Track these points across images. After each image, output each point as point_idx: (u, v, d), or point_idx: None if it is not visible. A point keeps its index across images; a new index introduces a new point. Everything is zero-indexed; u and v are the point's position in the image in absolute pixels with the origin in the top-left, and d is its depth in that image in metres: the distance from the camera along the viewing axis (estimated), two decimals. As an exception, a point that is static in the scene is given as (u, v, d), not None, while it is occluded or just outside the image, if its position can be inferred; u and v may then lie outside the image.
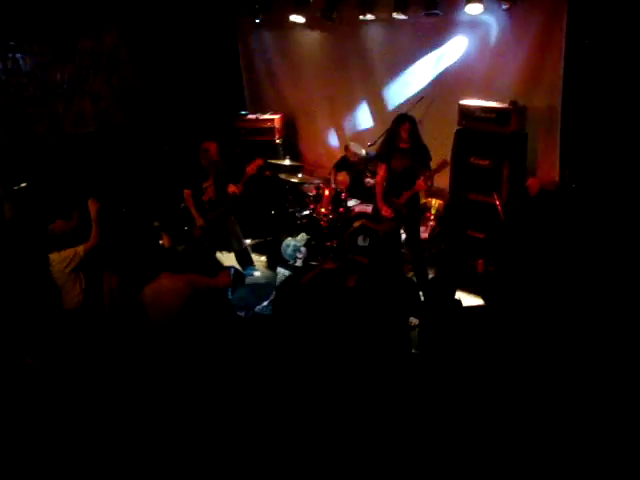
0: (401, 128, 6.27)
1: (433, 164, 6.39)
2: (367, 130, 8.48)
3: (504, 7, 6.75)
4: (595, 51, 6.27)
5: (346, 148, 8.23)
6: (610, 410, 4.45)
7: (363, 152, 8.10)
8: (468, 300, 6.45)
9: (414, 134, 6.32)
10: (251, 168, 6.94)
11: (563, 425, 4.33)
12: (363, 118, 8.70)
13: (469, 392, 4.53)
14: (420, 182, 6.25)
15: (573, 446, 4.16)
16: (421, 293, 6.12)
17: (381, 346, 4.46)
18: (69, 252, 5.63)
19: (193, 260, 5.44)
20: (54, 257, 5.63)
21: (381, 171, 6.61)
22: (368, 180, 7.96)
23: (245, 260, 7.76)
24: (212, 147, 7.08)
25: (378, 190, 6.65)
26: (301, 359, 4.66)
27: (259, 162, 6.99)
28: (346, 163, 8.18)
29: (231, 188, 6.99)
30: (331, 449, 4.15)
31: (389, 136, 6.51)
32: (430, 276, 6.74)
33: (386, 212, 6.50)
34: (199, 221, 7.14)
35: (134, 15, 8.67)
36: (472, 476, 4.00)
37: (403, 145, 6.33)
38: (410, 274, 6.94)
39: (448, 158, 7.27)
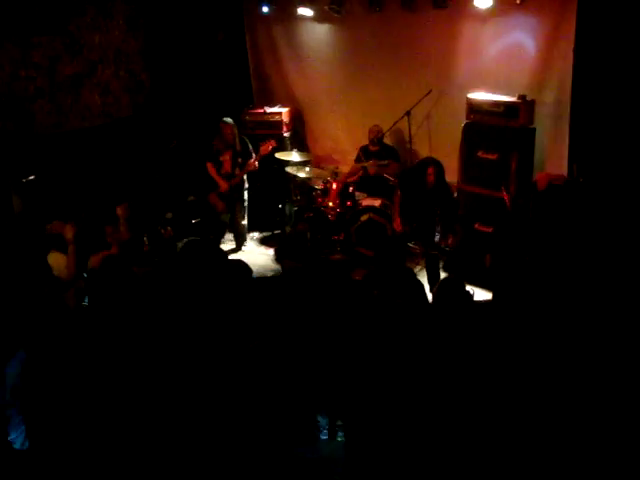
0: (427, 174, 6.42)
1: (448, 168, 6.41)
2: (375, 123, 8.43)
3: (517, 1, 6.71)
4: (605, 45, 6.23)
5: (370, 132, 8.15)
6: (614, 410, 4.45)
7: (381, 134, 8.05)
8: (477, 294, 6.43)
9: (439, 183, 6.47)
10: (265, 148, 7.65)
11: (569, 423, 4.33)
12: (371, 111, 8.67)
13: (476, 388, 4.53)
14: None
15: (577, 445, 4.16)
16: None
17: (387, 342, 4.46)
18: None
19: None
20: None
21: (399, 192, 6.82)
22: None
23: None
24: (227, 128, 7.79)
25: (395, 209, 6.90)
26: (305, 352, 4.67)
27: (273, 143, 7.71)
28: (367, 152, 8.14)
29: (250, 165, 7.83)
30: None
31: (413, 172, 6.72)
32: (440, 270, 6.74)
33: (398, 227, 6.51)
34: (223, 186, 7.89)
35: (142, 8, 8.67)
36: (475, 475, 4.01)
37: (427, 187, 6.47)
38: (418, 268, 6.96)
39: (456, 151, 7.29)
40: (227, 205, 8.03)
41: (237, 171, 7.96)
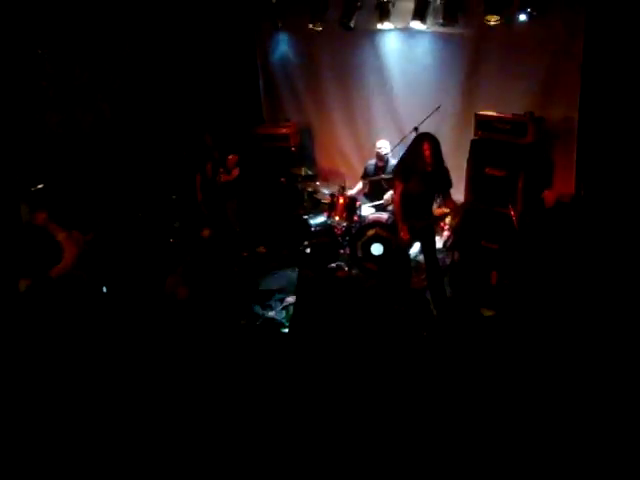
0: (423, 147, 5.92)
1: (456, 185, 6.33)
2: (383, 139, 8.44)
3: (524, 19, 6.72)
4: (613, 63, 6.24)
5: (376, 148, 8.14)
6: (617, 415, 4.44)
7: (388, 149, 8.05)
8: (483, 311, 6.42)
9: (437, 156, 5.98)
10: (229, 161, 8.37)
11: (572, 429, 4.32)
12: (379, 127, 8.70)
13: (481, 400, 4.52)
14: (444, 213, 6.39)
15: (579, 447, 4.16)
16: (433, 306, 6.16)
17: (392, 355, 4.46)
18: None
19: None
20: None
21: (399, 189, 6.27)
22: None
23: None
24: (207, 138, 8.47)
25: (397, 210, 6.34)
26: (314, 365, 4.68)
27: (235, 158, 8.37)
28: (372, 169, 8.15)
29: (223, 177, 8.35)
30: (335, 448, 4.16)
31: (409, 155, 6.19)
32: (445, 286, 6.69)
33: (405, 235, 6.26)
34: (199, 197, 8.43)
35: (155, 22, 8.74)
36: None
37: (426, 168, 5.96)
38: (424, 283, 6.93)
39: (464, 168, 7.28)
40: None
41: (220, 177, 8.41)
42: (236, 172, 8.47)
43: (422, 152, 5.92)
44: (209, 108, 9.29)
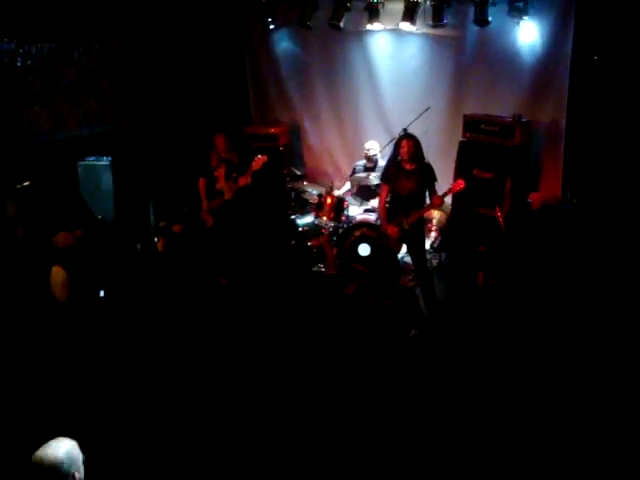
0: (400, 147, 6.10)
1: (443, 183, 6.35)
2: (371, 139, 8.45)
3: (513, 22, 6.76)
4: (601, 67, 6.29)
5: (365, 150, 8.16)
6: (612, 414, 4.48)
7: (377, 151, 8.06)
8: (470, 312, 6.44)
9: (416, 153, 6.12)
10: (256, 163, 7.11)
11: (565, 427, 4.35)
12: (367, 127, 8.71)
13: (472, 399, 4.55)
14: (433, 203, 6.22)
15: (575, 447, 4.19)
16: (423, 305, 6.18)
17: (378, 353, 4.47)
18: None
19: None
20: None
21: (383, 192, 6.44)
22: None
23: None
24: (218, 139, 7.34)
25: (381, 211, 6.52)
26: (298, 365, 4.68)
27: (264, 158, 7.14)
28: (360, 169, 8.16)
29: (242, 180, 7.17)
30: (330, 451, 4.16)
31: (392, 157, 6.35)
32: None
33: (392, 232, 6.33)
34: (204, 205, 7.41)
35: (142, 19, 8.70)
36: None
37: (407, 166, 6.15)
38: (411, 284, 6.95)
39: (452, 169, 7.31)
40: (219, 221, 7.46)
41: (228, 187, 7.36)
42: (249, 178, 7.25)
43: (401, 149, 6.09)
44: (197, 107, 9.25)
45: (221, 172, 7.38)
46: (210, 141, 7.40)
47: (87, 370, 5.15)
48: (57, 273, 5.57)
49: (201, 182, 7.47)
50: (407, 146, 6.07)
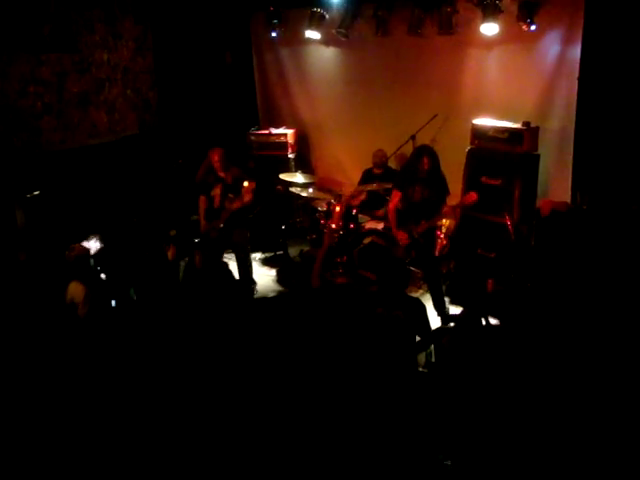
0: (421, 160, 6.20)
1: (453, 194, 6.40)
2: (380, 147, 8.45)
3: (522, 29, 6.74)
4: (610, 74, 6.28)
5: (374, 155, 8.20)
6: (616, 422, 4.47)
7: (386, 158, 8.10)
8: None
9: (435, 166, 6.25)
10: (246, 190, 6.72)
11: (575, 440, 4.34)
12: (376, 135, 8.71)
13: (483, 408, 4.54)
14: (443, 214, 6.35)
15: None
16: (435, 313, 6.19)
17: (387, 363, 4.47)
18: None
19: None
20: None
21: (395, 198, 6.54)
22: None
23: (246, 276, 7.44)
24: (213, 155, 6.91)
25: (391, 217, 6.60)
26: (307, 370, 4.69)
27: (253, 185, 6.78)
28: (371, 175, 8.17)
29: (235, 205, 6.81)
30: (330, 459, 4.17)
31: (408, 165, 6.48)
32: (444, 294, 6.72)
33: (402, 238, 6.43)
34: (202, 226, 7.12)
35: (150, 29, 8.77)
36: None
37: (422, 175, 6.26)
38: (419, 292, 6.95)
39: (460, 176, 7.30)
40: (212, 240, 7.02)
41: (225, 206, 6.98)
42: (248, 198, 6.80)
43: (421, 164, 6.20)
44: (206, 116, 9.29)
45: (217, 191, 7.04)
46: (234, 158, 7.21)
47: (99, 378, 5.19)
48: (76, 289, 5.60)
49: (202, 201, 7.16)
50: (427, 163, 6.18)
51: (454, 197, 6.97)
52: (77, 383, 5.14)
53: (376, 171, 8.08)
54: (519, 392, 4.78)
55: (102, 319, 5.66)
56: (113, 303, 5.97)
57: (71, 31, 7.87)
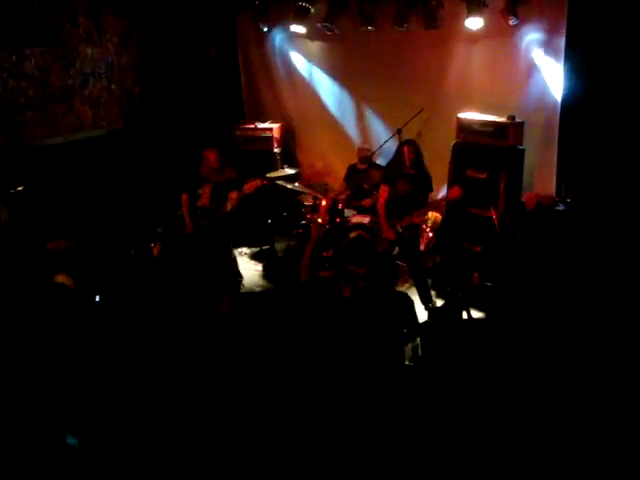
0: (402, 153, 6.36)
1: (438, 187, 6.48)
2: (366, 141, 8.46)
3: (512, 22, 6.75)
4: (594, 68, 6.31)
5: (359, 150, 8.20)
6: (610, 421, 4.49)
7: (370, 152, 8.09)
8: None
9: (417, 160, 6.38)
10: (249, 187, 6.81)
11: (565, 436, 4.36)
12: (362, 129, 8.73)
13: (469, 402, 4.56)
14: (426, 209, 6.51)
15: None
16: (421, 306, 6.21)
17: (374, 357, 4.48)
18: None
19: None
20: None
21: (384, 193, 6.64)
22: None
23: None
24: (211, 155, 6.97)
25: (382, 213, 6.68)
26: (293, 367, 4.68)
27: (258, 183, 6.83)
28: (355, 170, 8.18)
29: (229, 205, 6.78)
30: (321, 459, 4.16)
31: (394, 159, 6.60)
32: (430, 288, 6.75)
33: (389, 234, 6.48)
34: (188, 227, 7.07)
35: (135, 22, 8.72)
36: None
37: (407, 170, 6.38)
38: (406, 285, 6.97)
39: (446, 170, 7.33)
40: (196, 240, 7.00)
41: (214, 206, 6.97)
42: (230, 206, 6.80)
43: (403, 155, 6.38)
44: (191, 111, 9.26)
45: (206, 190, 7.01)
46: (203, 145, 7.24)
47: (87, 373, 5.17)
48: (63, 281, 5.57)
49: (184, 198, 7.13)
50: (408, 152, 6.36)
51: (439, 190, 7.03)
52: (59, 379, 5.11)
53: (360, 166, 8.09)
54: (502, 386, 4.81)
55: (86, 314, 5.63)
56: (97, 298, 5.94)
57: (54, 25, 7.80)
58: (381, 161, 8.06)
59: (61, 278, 5.56)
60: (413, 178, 6.38)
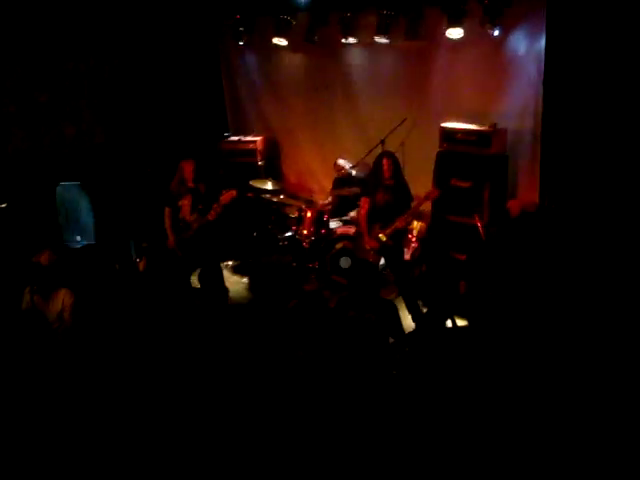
0: (381, 164, 6.36)
1: (419, 193, 6.48)
2: (349, 152, 8.48)
3: (494, 33, 6.78)
4: (574, 76, 6.36)
5: (335, 164, 8.24)
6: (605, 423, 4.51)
7: (348, 166, 8.21)
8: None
9: (395, 171, 6.40)
10: (224, 198, 6.66)
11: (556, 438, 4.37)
12: (345, 140, 8.74)
13: (453, 408, 4.56)
14: (407, 216, 6.41)
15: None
16: (408, 316, 6.21)
17: (360, 366, 4.48)
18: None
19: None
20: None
21: (365, 205, 6.60)
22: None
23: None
24: (186, 166, 6.79)
25: (363, 225, 6.63)
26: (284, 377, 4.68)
27: (233, 194, 6.68)
28: (341, 181, 8.20)
29: (210, 215, 6.64)
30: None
31: (373, 171, 6.58)
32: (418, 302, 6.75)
33: (372, 244, 6.50)
34: (170, 240, 6.92)
35: (117, 37, 8.69)
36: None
37: (386, 182, 6.39)
38: (393, 295, 6.96)
39: (430, 179, 7.35)
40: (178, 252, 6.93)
41: (194, 219, 6.81)
42: (212, 216, 6.67)
43: (382, 167, 6.35)
44: (174, 125, 9.23)
45: (186, 202, 6.85)
46: (187, 158, 7.15)
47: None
48: (65, 297, 5.55)
49: (167, 212, 6.98)
50: (387, 164, 6.34)
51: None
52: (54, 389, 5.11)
53: (339, 173, 8.14)
54: (487, 392, 4.82)
55: (85, 328, 5.63)
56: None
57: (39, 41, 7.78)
58: (365, 170, 8.09)
59: (63, 294, 5.54)
60: (392, 189, 6.40)
